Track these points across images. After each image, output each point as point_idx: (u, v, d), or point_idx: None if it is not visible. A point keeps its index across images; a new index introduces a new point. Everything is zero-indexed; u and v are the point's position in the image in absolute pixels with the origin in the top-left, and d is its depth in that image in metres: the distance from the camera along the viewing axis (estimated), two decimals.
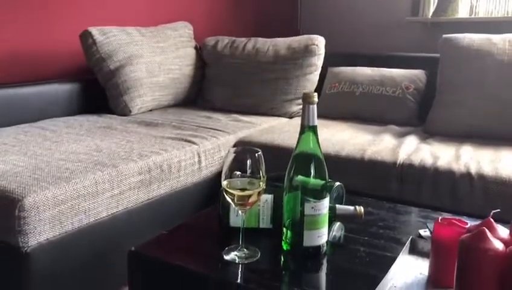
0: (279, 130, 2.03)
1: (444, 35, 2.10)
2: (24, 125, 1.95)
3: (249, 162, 0.92)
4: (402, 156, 1.65)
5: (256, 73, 2.44)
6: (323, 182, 0.95)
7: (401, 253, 0.97)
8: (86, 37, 2.23)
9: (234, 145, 1.91)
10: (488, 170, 1.50)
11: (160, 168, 1.58)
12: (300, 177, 0.95)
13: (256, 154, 0.92)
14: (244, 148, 0.95)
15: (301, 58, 2.37)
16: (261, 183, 0.92)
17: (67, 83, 2.25)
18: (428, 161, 1.60)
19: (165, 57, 2.42)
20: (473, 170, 1.51)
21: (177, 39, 2.54)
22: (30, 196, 1.21)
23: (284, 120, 2.31)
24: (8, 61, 2.13)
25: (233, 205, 0.94)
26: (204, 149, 1.78)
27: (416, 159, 1.61)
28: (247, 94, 2.43)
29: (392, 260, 0.95)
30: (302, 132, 0.96)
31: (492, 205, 1.47)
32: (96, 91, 2.30)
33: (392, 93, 2.19)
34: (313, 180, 0.95)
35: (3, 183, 1.26)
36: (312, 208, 0.94)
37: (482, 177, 1.48)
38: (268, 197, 1.06)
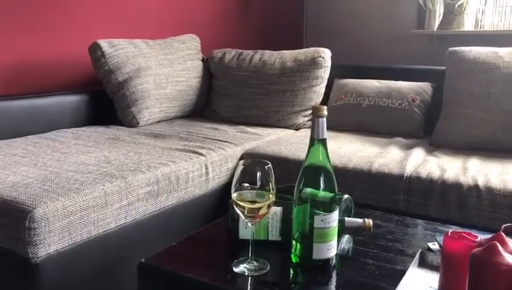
0: (286, 141, 2.04)
1: (450, 48, 2.11)
2: (33, 137, 1.97)
3: (258, 174, 0.92)
4: (409, 169, 1.65)
5: (263, 85, 2.45)
6: (332, 194, 0.95)
7: (410, 266, 0.97)
8: (94, 49, 2.25)
9: (241, 157, 1.92)
10: (496, 182, 1.50)
11: (168, 179, 1.59)
12: (309, 190, 0.95)
13: (266, 167, 0.93)
14: (253, 161, 0.95)
15: (307, 71, 2.38)
16: (270, 195, 0.93)
17: (76, 95, 2.27)
18: (436, 173, 1.60)
19: (172, 69, 2.44)
20: (481, 183, 1.51)
21: (184, 52, 2.56)
22: (40, 207, 1.22)
23: (290, 132, 2.32)
24: (17, 73, 2.16)
25: (243, 218, 0.95)
26: (212, 161, 1.79)
27: (424, 172, 1.61)
28: (253, 106, 2.45)
29: (402, 273, 0.95)
30: (311, 145, 0.96)
31: (500, 218, 1.47)
32: (104, 102, 2.32)
33: (399, 106, 2.19)
34: (322, 193, 0.95)
35: (13, 194, 1.27)
36: (322, 220, 0.94)
37: (489, 190, 1.48)
38: (277, 210, 1.07)
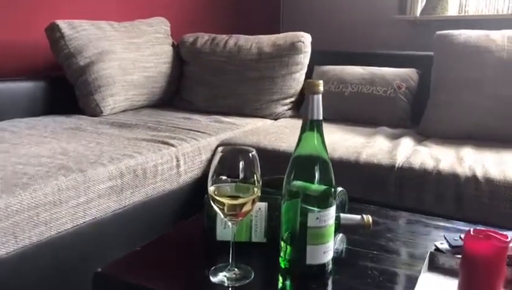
0: (265, 131, 1.88)
1: (438, 32, 1.98)
2: None
3: (241, 164, 0.76)
4: (400, 159, 1.52)
5: (239, 71, 2.28)
6: (327, 187, 0.80)
7: (422, 271, 0.82)
8: (53, 30, 2.04)
9: (216, 148, 1.74)
10: (495, 173, 1.38)
11: (133, 173, 1.40)
12: (300, 182, 0.80)
13: (250, 155, 0.76)
14: (234, 148, 0.79)
15: (286, 56, 2.22)
16: (255, 189, 0.76)
17: (32, 81, 2.04)
18: (430, 163, 1.47)
19: (139, 54, 2.24)
20: (479, 173, 1.38)
21: (152, 35, 2.36)
22: None
23: (269, 122, 2.15)
24: None
25: (222, 216, 0.78)
26: (184, 152, 1.61)
27: (416, 162, 1.48)
28: (229, 94, 2.27)
29: (411, 279, 0.80)
30: (304, 129, 0.80)
31: (500, 211, 1.35)
32: (64, 90, 2.11)
33: (383, 93, 2.06)
34: (316, 186, 0.80)
35: None
36: (317, 218, 0.78)
37: (489, 181, 1.36)
38: (262, 206, 0.90)
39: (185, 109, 2.30)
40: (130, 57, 2.18)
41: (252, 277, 0.80)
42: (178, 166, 1.58)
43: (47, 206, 1.16)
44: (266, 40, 2.31)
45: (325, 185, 0.80)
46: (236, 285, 0.79)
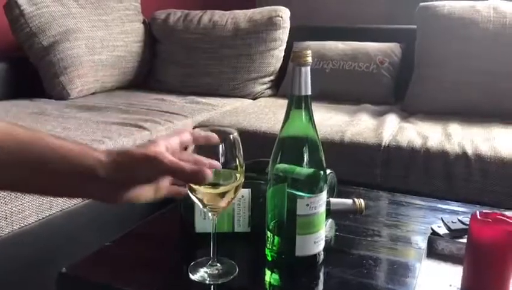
0: (244, 112, 1.79)
1: (421, 4, 1.91)
2: None
3: (221, 146, 0.67)
4: (387, 137, 1.45)
5: (214, 49, 2.17)
6: (316, 169, 0.72)
7: (423, 258, 0.75)
8: (11, 7, 1.90)
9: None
10: (485, 149, 1.33)
11: None
12: (289, 166, 0.72)
13: (231, 136, 0.68)
14: (213, 129, 0.70)
15: (264, 32, 2.12)
16: (238, 175, 0.68)
17: None
18: (417, 141, 1.41)
19: (108, 32, 2.10)
20: (469, 150, 1.33)
21: (122, 12, 2.22)
22: None
23: (247, 101, 2.06)
24: None
25: (201, 207, 0.69)
26: (158, 136, 1.51)
27: (404, 140, 1.42)
28: (204, 73, 2.17)
29: (412, 267, 0.74)
30: (290, 106, 0.72)
31: (490, 189, 1.31)
32: (27, 72, 1.97)
33: (366, 69, 1.99)
34: (306, 169, 0.72)
35: None
36: (307, 205, 0.71)
37: (480, 158, 1.31)
38: (245, 193, 0.82)
39: (158, 90, 2.19)
40: (98, 35, 2.05)
41: (237, 272, 0.72)
42: None
43: (7, 198, 1.06)
44: (242, 16, 2.20)
45: (315, 168, 0.72)
46: (219, 282, 0.70)
